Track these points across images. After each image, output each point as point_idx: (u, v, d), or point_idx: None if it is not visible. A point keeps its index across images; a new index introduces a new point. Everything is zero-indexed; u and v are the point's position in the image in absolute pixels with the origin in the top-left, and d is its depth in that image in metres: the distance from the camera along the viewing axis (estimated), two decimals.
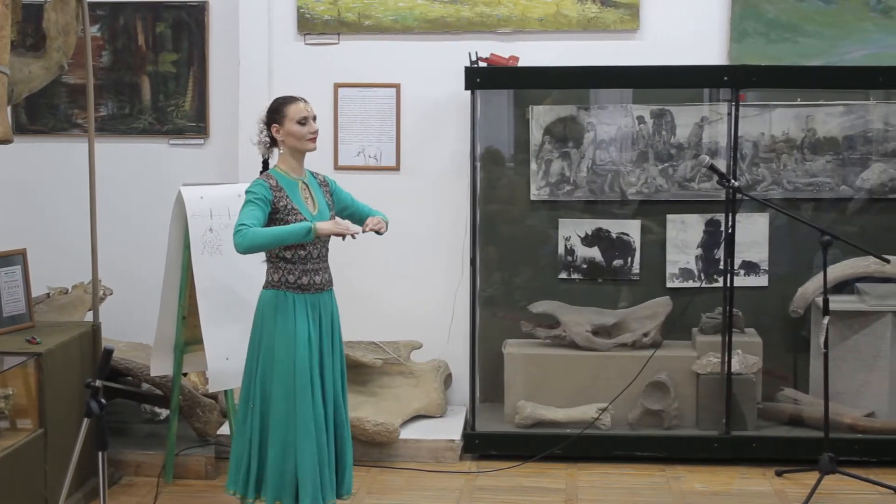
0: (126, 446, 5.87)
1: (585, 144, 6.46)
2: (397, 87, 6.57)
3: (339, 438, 4.73)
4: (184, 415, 5.76)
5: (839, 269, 6.19)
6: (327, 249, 4.70)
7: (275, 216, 4.53)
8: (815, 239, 5.64)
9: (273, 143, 4.70)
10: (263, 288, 4.67)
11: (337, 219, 4.70)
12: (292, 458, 4.55)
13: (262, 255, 4.70)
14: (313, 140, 4.68)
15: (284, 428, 4.56)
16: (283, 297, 4.59)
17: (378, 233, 4.72)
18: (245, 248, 4.44)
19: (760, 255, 6.42)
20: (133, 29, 6.73)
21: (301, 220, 4.55)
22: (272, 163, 4.74)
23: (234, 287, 5.37)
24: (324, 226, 4.50)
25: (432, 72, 6.49)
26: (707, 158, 5.84)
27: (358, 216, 4.86)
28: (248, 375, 4.67)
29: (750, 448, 5.95)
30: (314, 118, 4.70)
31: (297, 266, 4.59)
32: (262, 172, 4.69)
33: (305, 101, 4.72)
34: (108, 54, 6.74)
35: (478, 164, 6.27)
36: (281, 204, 4.54)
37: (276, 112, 4.67)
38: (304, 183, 4.69)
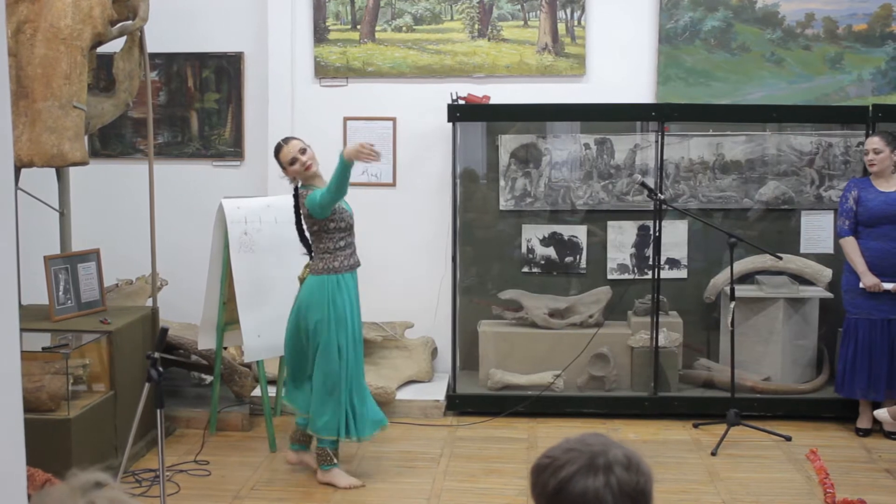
0: (179, 405, 5.88)
1: (543, 165, 6.48)
2: (394, 119, 6.58)
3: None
4: (224, 380, 5.77)
5: (743, 265, 6.23)
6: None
7: (332, 216, 4.57)
8: (723, 240, 5.70)
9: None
10: (313, 274, 4.67)
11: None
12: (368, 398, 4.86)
13: (301, 249, 4.78)
14: (308, 169, 4.68)
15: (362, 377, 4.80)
16: (337, 278, 4.64)
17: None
18: (335, 199, 4.47)
19: (681, 253, 6.44)
20: (184, 74, 6.73)
21: (349, 215, 4.66)
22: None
23: (263, 279, 5.39)
24: (349, 151, 4.39)
25: (421, 108, 6.49)
26: (639, 177, 5.88)
27: None
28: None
29: (673, 405, 5.99)
30: (302, 151, 4.68)
31: (347, 251, 4.67)
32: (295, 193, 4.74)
33: (289, 141, 4.72)
34: (165, 94, 6.74)
35: (458, 181, 6.28)
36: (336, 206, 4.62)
37: (277, 160, 4.73)
38: None
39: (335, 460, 4.80)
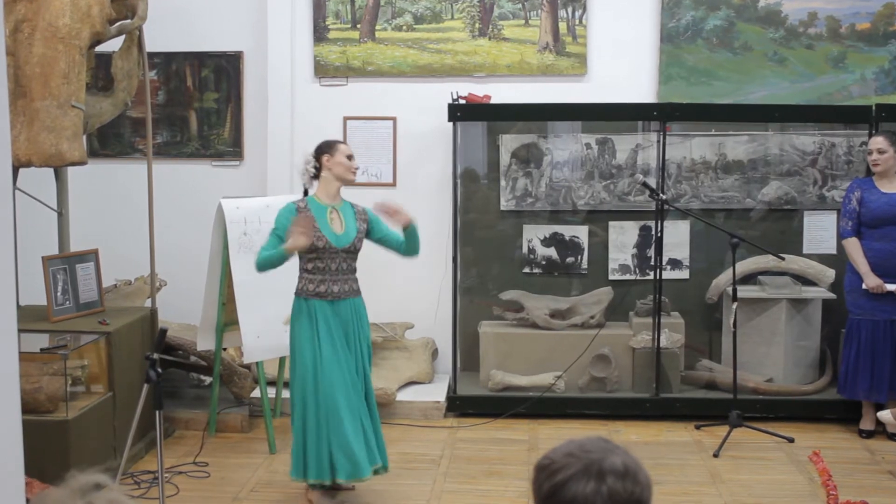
0: (178, 406, 5.88)
1: (544, 165, 6.48)
2: (394, 119, 6.58)
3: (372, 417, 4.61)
4: (223, 381, 5.77)
5: (745, 265, 6.22)
6: (349, 266, 4.55)
7: None
8: (725, 241, 5.69)
9: (317, 174, 4.55)
10: (294, 295, 4.55)
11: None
12: (325, 440, 4.41)
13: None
14: (355, 174, 4.61)
15: (316, 413, 4.40)
16: (304, 302, 4.47)
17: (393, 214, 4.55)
18: (258, 269, 4.42)
19: (683, 253, 6.44)
20: (183, 73, 6.72)
21: (323, 238, 4.41)
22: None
23: (263, 279, 5.36)
24: (288, 244, 4.31)
25: (422, 107, 6.48)
26: (640, 177, 5.88)
27: (388, 241, 4.74)
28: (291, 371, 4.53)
29: (674, 407, 5.98)
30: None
31: (316, 276, 4.47)
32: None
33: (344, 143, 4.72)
34: (163, 94, 6.74)
35: (458, 181, 6.27)
36: None
37: (329, 147, 4.57)
38: (333, 208, 4.54)
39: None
